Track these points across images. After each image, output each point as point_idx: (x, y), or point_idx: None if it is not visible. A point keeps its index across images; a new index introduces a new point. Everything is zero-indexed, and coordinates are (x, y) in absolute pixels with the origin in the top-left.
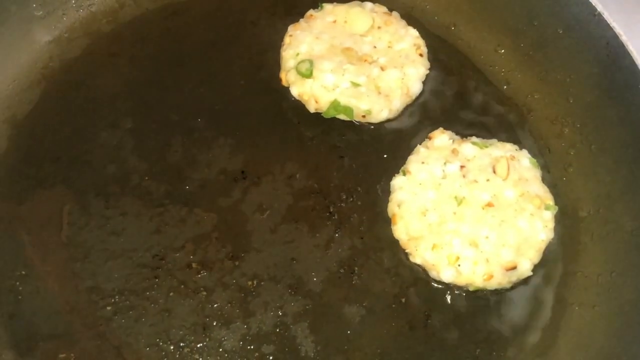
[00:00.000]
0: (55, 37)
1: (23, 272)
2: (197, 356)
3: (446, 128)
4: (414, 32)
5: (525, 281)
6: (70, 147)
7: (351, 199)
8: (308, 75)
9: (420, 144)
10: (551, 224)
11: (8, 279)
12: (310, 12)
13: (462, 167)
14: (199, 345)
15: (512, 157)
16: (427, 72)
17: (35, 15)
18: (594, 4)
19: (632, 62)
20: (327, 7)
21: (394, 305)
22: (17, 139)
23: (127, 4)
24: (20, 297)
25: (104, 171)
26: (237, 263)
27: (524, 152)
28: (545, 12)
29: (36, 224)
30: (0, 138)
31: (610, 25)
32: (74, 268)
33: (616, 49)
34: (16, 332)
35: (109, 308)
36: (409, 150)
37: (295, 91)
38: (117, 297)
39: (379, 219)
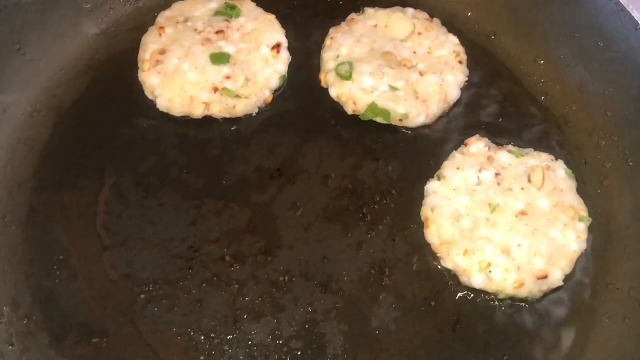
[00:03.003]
0: (102, 30)
1: (60, 257)
2: (226, 347)
3: (482, 135)
4: (454, 39)
5: (555, 291)
6: (112, 137)
7: (385, 201)
8: (347, 77)
9: (456, 150)
10: (584, 235)
11: (46, 263)
12: (352, 15)
13: (497, 174)
14: (228, 337)
15: (548, 167)
16: (466, 79)
17: (84, 8)
18: (636, 19)
19: None
20: (369, 11)
21: (423, 308)
22: (61, 127)
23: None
24: (57, 280)
25: (144, 162)
26: (269, 258)
27: (560, 162)
28: (586, 25)
29: (75, 212)
30: (45, 125)
31: None
32: (111, 255)
33: None
34: (52, 315)
35: (142, 296)
36: (444, 156)
37: (334, 92)
38: (151, 285)
39: (411, 222)
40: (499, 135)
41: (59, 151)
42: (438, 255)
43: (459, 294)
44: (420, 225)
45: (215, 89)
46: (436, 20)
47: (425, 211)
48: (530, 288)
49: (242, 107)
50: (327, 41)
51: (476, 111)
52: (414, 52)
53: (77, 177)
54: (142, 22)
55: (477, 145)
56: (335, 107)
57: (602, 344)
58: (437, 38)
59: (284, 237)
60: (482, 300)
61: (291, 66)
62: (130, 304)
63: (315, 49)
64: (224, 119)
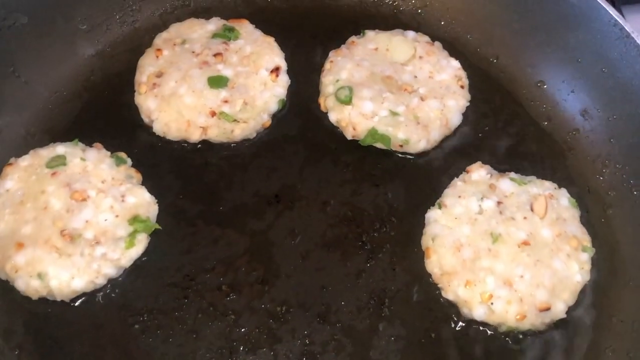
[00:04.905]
0: (98, 51)
1: None
2: None
3: (484, 162)
4: (455, 64)
5: (558, 323)
6: None
7: (384, 229)
8: (347, 102)
9: (457, 177)
10: (587, 266)
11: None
12: (352, 38)
13: (499, 203)
14: None
15: (551, 196)
16: (468, 104)
17: (80, 29)
18: None
19: None
20: (369, 34)
21: (423, 340)
22: None
23: (170, 21)
24: (49, 310)
25: None
26: (266, 288)
27: (563, 191)
28: (590, 51)
29: None
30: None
31: None
32: (105, 284)
33: None
34: (44, 345)
35: (137, 326)
36: (445, 183)
37: (333, 117)
38: (145, 315)
39: (412, 251)
40: (501, 162)
41: None
42: (439, 286)
43: (460, 326)
44: (420, 254)
45: (213, 114)
46: (437, 44)
47: (426, 241)
48: (533, 320)
49: (240, 131)
50: (327, 65)
51: (478, 137)
52: (415, 77)
53: None
54: (139, 43)
55: (479, 172)
56: (335, 132)
57: None
58: (439, 62)
59: (282, 266)
60: (484, 332)
61: (290, 90)
62: (124, 334)
63: (315, 72)
64: (222, 143)
